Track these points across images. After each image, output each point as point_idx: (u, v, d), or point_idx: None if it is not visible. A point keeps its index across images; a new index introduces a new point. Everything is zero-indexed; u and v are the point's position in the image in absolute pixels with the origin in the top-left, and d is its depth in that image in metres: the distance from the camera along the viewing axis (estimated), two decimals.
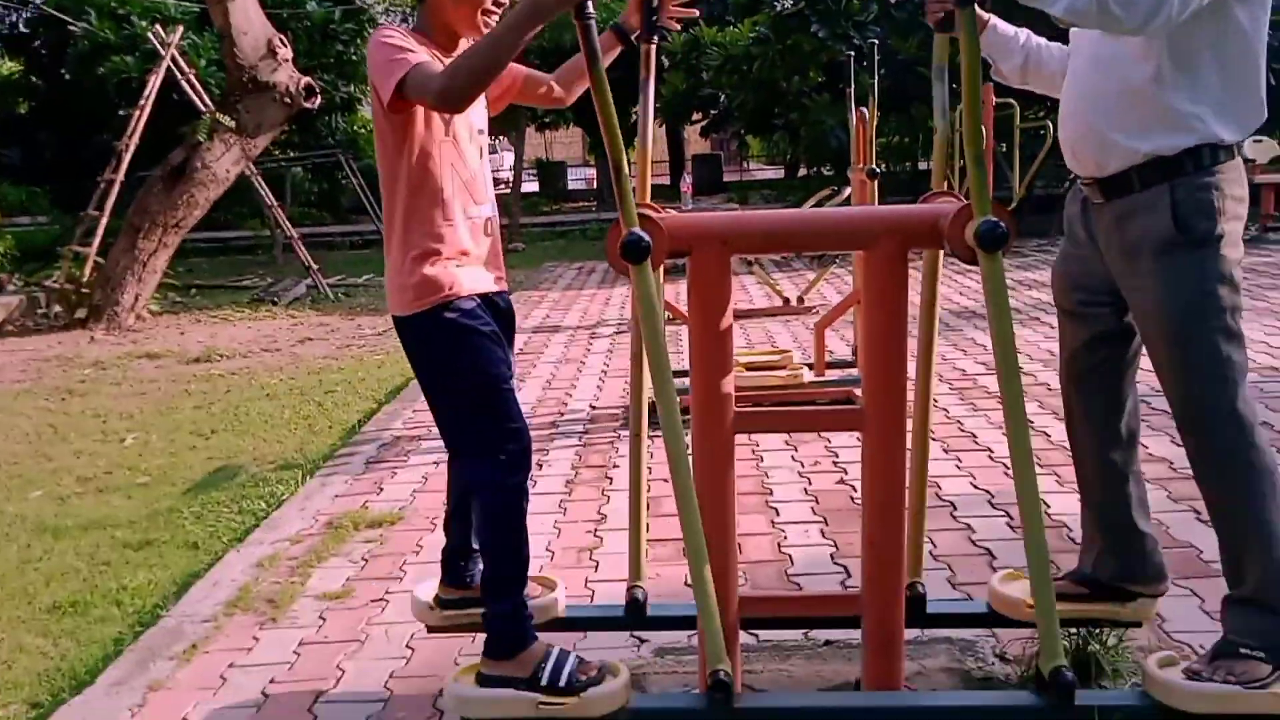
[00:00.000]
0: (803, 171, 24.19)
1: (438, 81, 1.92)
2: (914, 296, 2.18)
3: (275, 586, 3.14)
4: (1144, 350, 2.22)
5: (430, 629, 2.49)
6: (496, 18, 2.07)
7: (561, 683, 2.04)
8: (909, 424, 2.14)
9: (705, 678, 1.98)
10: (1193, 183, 2.00)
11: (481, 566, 2.33)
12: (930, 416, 2.40)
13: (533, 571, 2.26)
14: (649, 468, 4.23)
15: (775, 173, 30.03)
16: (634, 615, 2.41)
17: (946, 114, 2.19)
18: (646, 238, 1.92)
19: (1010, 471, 3.95)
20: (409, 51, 1.96)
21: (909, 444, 2.17)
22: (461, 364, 2.09)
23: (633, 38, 2.34)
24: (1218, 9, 1.92)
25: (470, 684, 2.11)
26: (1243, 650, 1.99)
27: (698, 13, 2.44)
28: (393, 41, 1.99)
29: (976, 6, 2.22)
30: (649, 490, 3.91)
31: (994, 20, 2.31)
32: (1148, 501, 2.34)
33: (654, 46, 2.36)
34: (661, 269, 2.08)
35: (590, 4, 1.81)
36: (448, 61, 2.03)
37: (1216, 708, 1.96)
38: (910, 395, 2.17)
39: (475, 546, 2.39)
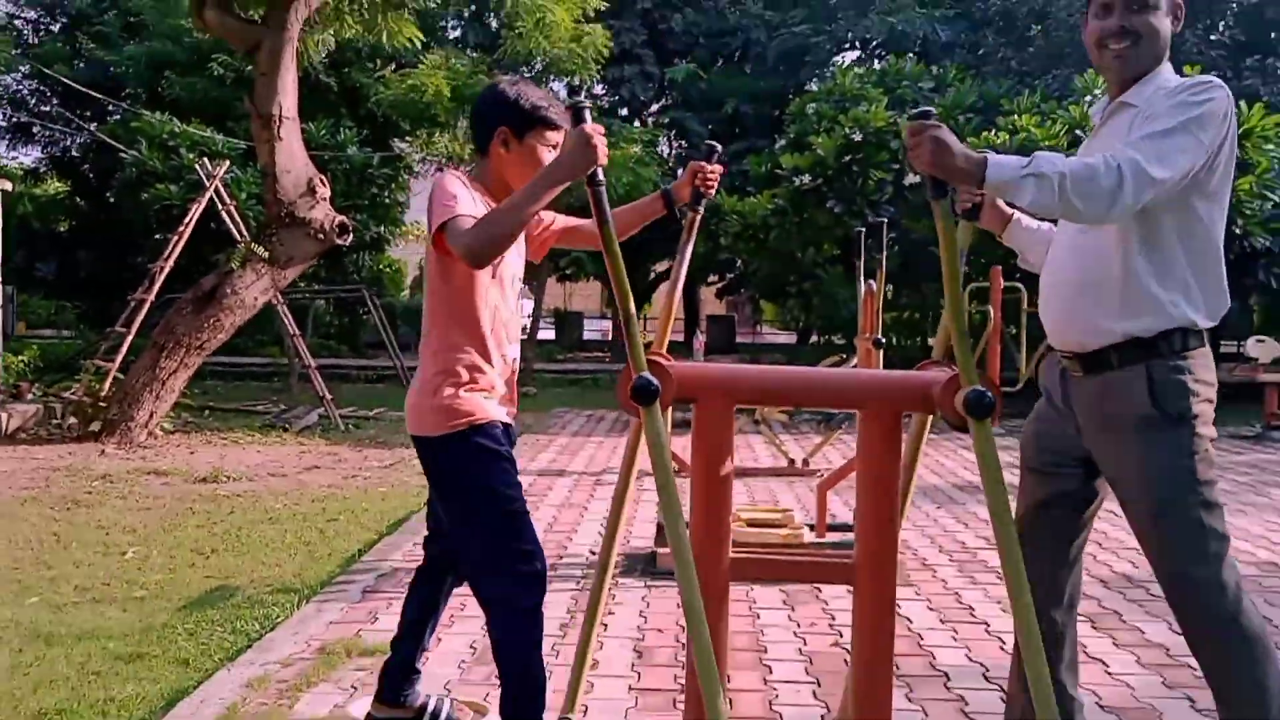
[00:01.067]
0: (814, 339, 24.72)
1: (465, 239, 2.10)
2: (932, 463, 2.27)
3: (263, 708, 3.13)
4: (1096, 519, 2.33)
5: None
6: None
7: None
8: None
9: None
10: (1167, 364, 2.14)
11: (411, 687, 2.38)
12: (899, 574, 2.44)
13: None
14: (644, 616, 4.24)
15: (788, 338, 30.64)
16: None
17: (961, 296, 2.35)
18: (655, 382, 2.04)
19: (1004, 645, 3.94)
20: (457, 201, 2.16)
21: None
22: (487, 485, 2.20)
23: (677, 207, 2.56)
24: (1180, 202, 2.10)
25: None
26: None
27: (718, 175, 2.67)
28: (449, 188, 2.20)
29: (1003, 203, 2.43)
30: (643, 639, 3.92)
31: (1017, 215, 2.49)
32: (1078, 667, 2.37)
33: (698, 215, 2.58)
34: (670, 421, 2.21)
35: (600, 172, 2.01)
36: None
37: None
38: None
39: (419, 667, 2.44)
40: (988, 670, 3.62)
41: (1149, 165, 1.99)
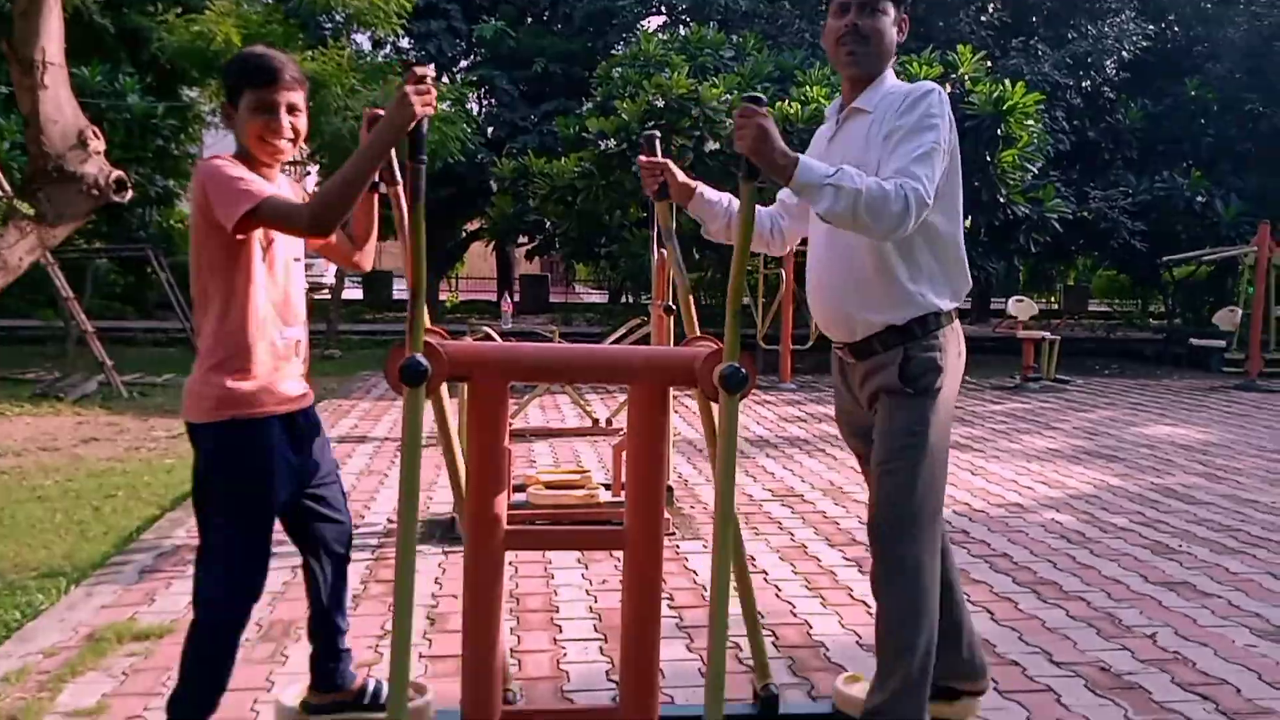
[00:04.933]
0: (625, 297, 25.07)
1: (307, 211, 2.10)
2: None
3: (19, 702, 2.97)
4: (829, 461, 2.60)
5: None
6: (281, 143, 2.24)
7: None
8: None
9: None
10: (920, 344, 2.40)
11: (344, 666, 2.36)
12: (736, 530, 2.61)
13: None
14: (439, 583, 4.27)
15: (600, 296, 30.93)
16: None
17: (683, 270, 2.52)
18: (425, 363, 2.08)
19: (781, 593, 4.22)
20: (254, 183, 2.11)
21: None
22: (241, 481, 2.17)
23: (380, 189, 2.56)
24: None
25: None
26: None
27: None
28: (233, 172, 2.14)
29: (681, 173, 2.63)
30: (436, 605, 3.95)
31: (700, 187, 2.71)
32: (965, 605, 2.63)
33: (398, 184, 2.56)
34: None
35: (424, 146, 2.03)
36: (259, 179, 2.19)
37: None
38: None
39: (344, 646, 2.41)
40: (764, 617, 3.88)
41: (926, 195, 2.22)
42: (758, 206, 2.73)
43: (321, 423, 2.42)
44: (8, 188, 9.42)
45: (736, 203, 2.71)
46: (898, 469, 2.36)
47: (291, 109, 2.26)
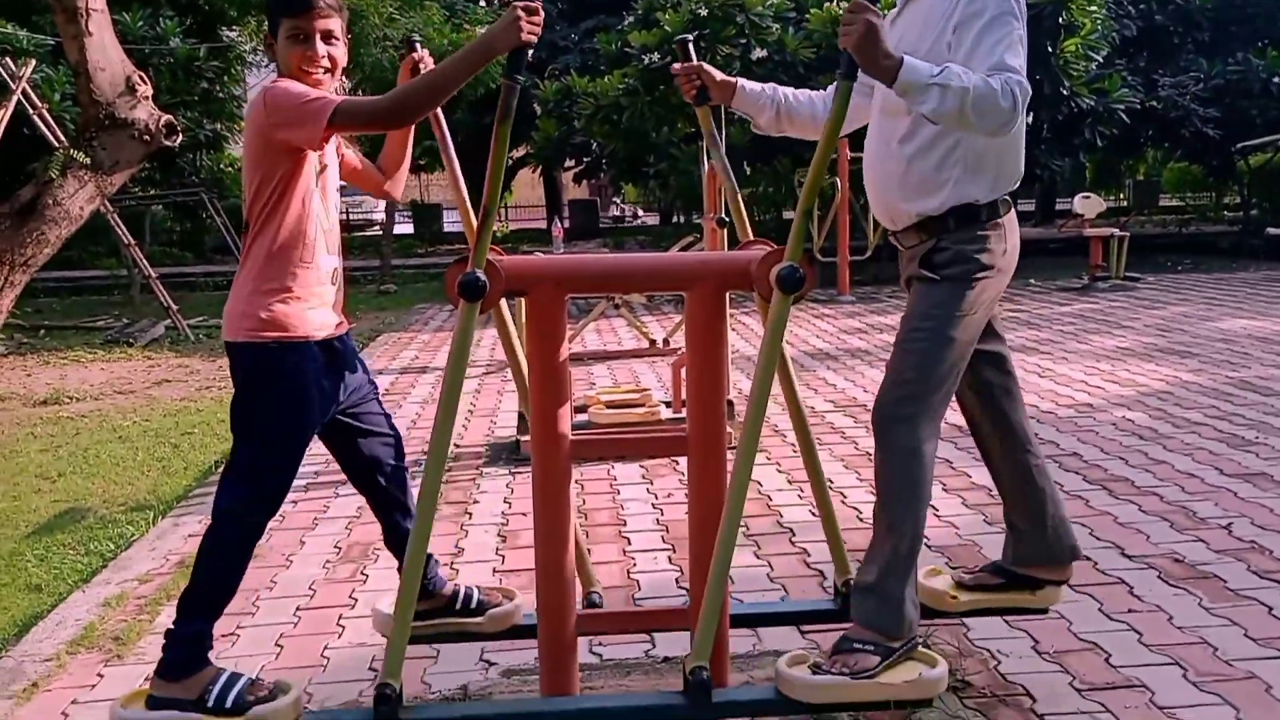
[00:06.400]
0: (676, 218, 24.86)
1: (385, 102, 2.11)
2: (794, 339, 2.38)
3: (122, 624, 3.12)
4: (1015, 369, 2.58)
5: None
6: (320, 76, 2.22)
7: (228, 704, 2.12)
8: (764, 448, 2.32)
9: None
10: (955, 236, 2.33)
11: (434, 573, 2.44)
12: (809, 437, 2.62)
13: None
14: (508, 502, 4.35)
15: (652, 219, 30.71)
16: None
17: (730, 174, 2.47)
18: (484, 278, 2.08)
19: (846, 499, 4.23)
20: (320, 96, 2.12)
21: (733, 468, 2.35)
22: (274, 401, 2.20)
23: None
24: None
25: (139, 708, 2.16)
26: (857, 645, 2.26)
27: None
28: (299, 89, 2.14)
29: (718, 73, 2.56)
30: (506, 524, 4.04)
31: (741, 82, 2.63)
32: (1057, 494, 2.60)
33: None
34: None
35: (523, 68, 2.01)
36: None
37: (828, 698, 2.18)
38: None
39: (432, 556, 2.48)
40: None
41: (1028, 86, 2.15)
42: (807, 91, 2.66)
43: (355, 348, 2.44)
44: (63, 138, 9.57)
45: (782, 91, 2.64)
46: (910, 351, 2.33)
47: (328, 37, 2.23)
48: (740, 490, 2.09)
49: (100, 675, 2.81)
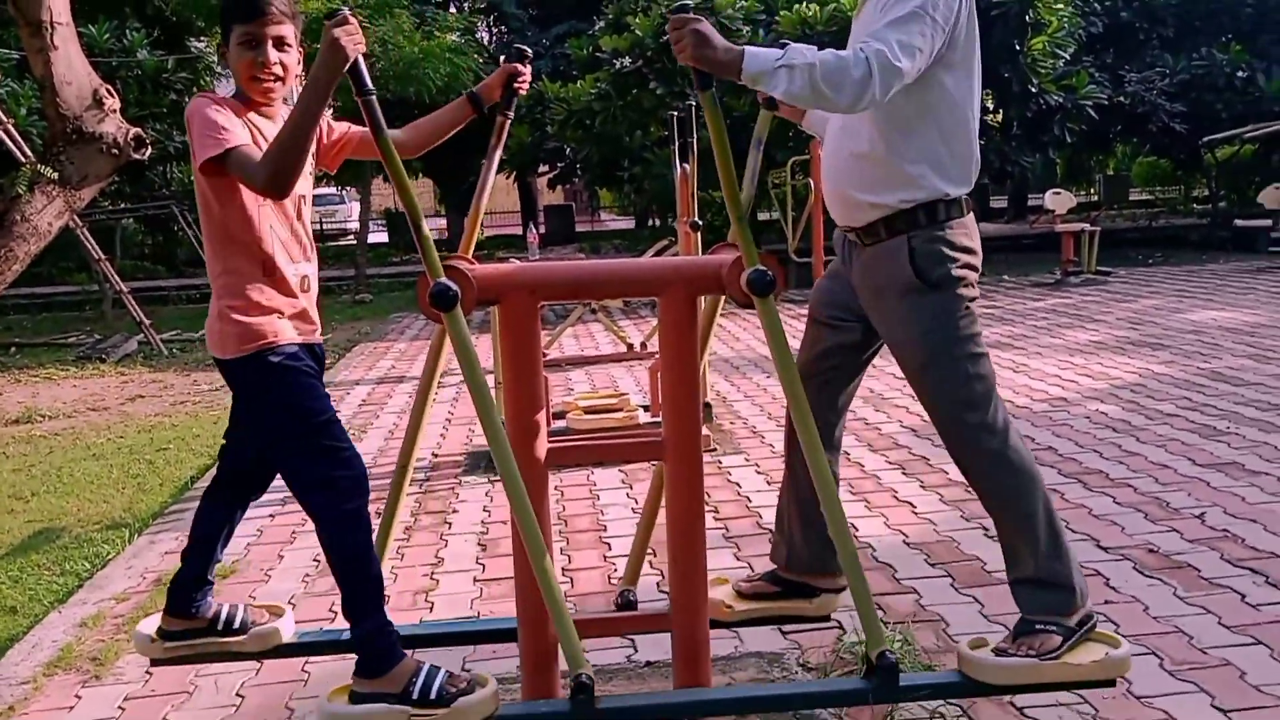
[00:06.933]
0: (652, 222, 24.88)
1: (262, 172, 2.08)
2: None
3: (100, 645, 3.09)
4: (868, 370, 2.57)
5: (154, 662, 2.53)
6: (269, 84, 2.21)
7: (432, 695, 2.13)
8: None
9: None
10: (927, 234, 2.29)
11: (201, 597, 2.43)
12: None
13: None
14: (487, 510, 4.34)
15: (627, 223, 30.70)
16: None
17: (755, 179, 2.46)
18: (454, 286, 2.08)
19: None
20: (227, 130, 2.09)
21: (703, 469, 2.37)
22: (290, 401, 2.20)
23: (485, 109, 2.52)
24: (925, 79, 2.23)
25: (344, 703, 2.17)
26: (1038, 626, 2.27)
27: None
28: (211, 115, 2.12)
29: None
30: (486, 532, 4.03)
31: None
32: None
33: (509, 119, 2.55)
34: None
35: (365, 78, 2.01)
36: (258, 123, 2.17)
37: (1017, 679, 2.21)
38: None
39: (210, 578, 2.47)
40: None
41: (894, 58, 2.09)
42: None
43: (322, 363, 2.43)
44: (29, 153, 9.46)
45: None
46: (939, 367, 2.30)
47: (279, 43, 2.22)
48: (827, 486, 2.12)
49: (78, 697, 2.78)
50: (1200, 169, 18.23)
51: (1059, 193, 12.82)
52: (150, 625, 2.47)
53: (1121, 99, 14.37)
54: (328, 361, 2.41)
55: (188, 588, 2.43)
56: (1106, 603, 3.04)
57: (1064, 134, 13.11)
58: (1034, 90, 12.09)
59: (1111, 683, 2.28)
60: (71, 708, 2.72)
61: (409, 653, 2.23)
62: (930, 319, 2.30)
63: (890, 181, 2.29)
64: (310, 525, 2.38)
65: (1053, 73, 12.27)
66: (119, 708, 2.70)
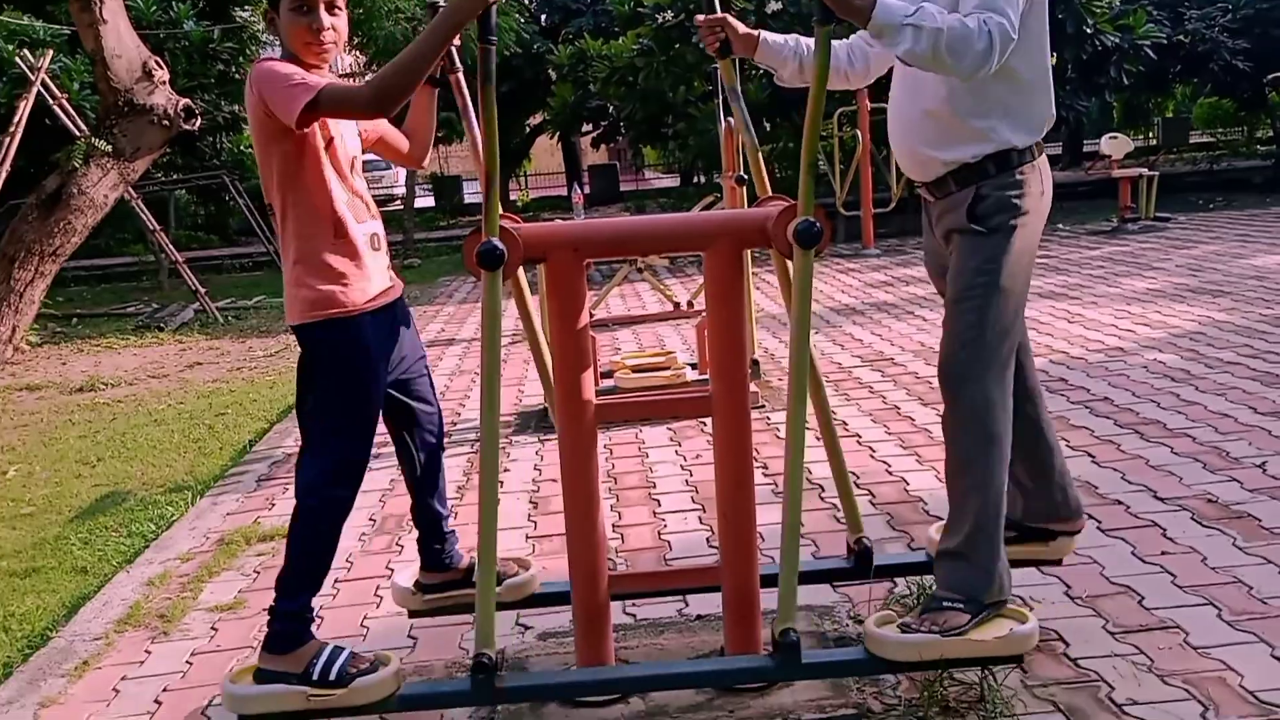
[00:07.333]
0: (697, 179, 24.66)
1: (366, 91, 2.11)
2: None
3: (166, 602, 3.20)
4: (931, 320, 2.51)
5: (412, 614, 2.62)
6: (325, 46, 2.22)
7: (332, 676, 2.19)
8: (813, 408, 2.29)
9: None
10: (995, 183, 2.29)
11: (451, 548, 2.49)
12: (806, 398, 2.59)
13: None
14: (538, 469, 4.39)
15: (672, 181, 30.47)
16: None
17: (750, 128, 2.43)
18: (501, 246, 2.09)
19: (875, 454, 4.23)
20: (307, 78, 2.11)
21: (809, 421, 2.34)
22: (341, 375, 2.24)
23: (437, 76, 2.48)
24: None
25: (248, 682, 2.23)
26: (945, 603, 2.25)
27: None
28: (285, 70, 2.14)
29: (741, 25, 2.50)
30: (538, 490, 4.07)
31: (763, 34, 2.57)
32: (1062, 450, 2.59)
33: (459, 73, 2.46)
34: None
35: (494, 29, 2.01)
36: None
37: (918, 655, 2.18)
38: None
39: (448, 529, 2.54)
40: (859, 478, 3.90)
41: (1012, 30, 2.10)
42: (785, 39, 2.60)
43: (411, 313, 2.47)
44: (84, 127, 9.64)
45: (804, 42, 2.59)
46: (968, 308, 2.29)
47: (330, 7, 2.23)
48: (797, 452, 2.08)
49: (148, 652, 2.88)
50: (1265, 109, 17.55)
51: (1115, 137, 12.44)
52: (407, 578, 2.55)
53: (1181, 37, 13.86)
54: None
55: (430, 542, 2.52)
56: (1163, 554, 2.99)
57: (1121, 76, 12.70)
58: (1089, 31, 11.71)
59: (1019, 659, 2.24)
60: (142, 662, 2.82)
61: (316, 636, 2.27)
62: (979, 259, 2.29)
63: (960, 137, 2.29)
64: (366, 484, 2.44)
65: (1109, 12, 11.87)
66: (186, 662, 2.80)
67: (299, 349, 2.31)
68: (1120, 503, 3.40)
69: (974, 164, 2.30)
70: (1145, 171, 11.73)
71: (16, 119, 9.59)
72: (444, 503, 2.56)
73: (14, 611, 3.25)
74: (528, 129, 23.38)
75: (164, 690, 2.64)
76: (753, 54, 2.57)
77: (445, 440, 2.61)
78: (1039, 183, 2.35)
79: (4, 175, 9.40)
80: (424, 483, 2.51)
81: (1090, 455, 3.92)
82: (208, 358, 8.13)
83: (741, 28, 2.54)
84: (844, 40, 2.61)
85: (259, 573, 3.39)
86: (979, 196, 2.30)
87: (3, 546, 3.91)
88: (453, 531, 2.56)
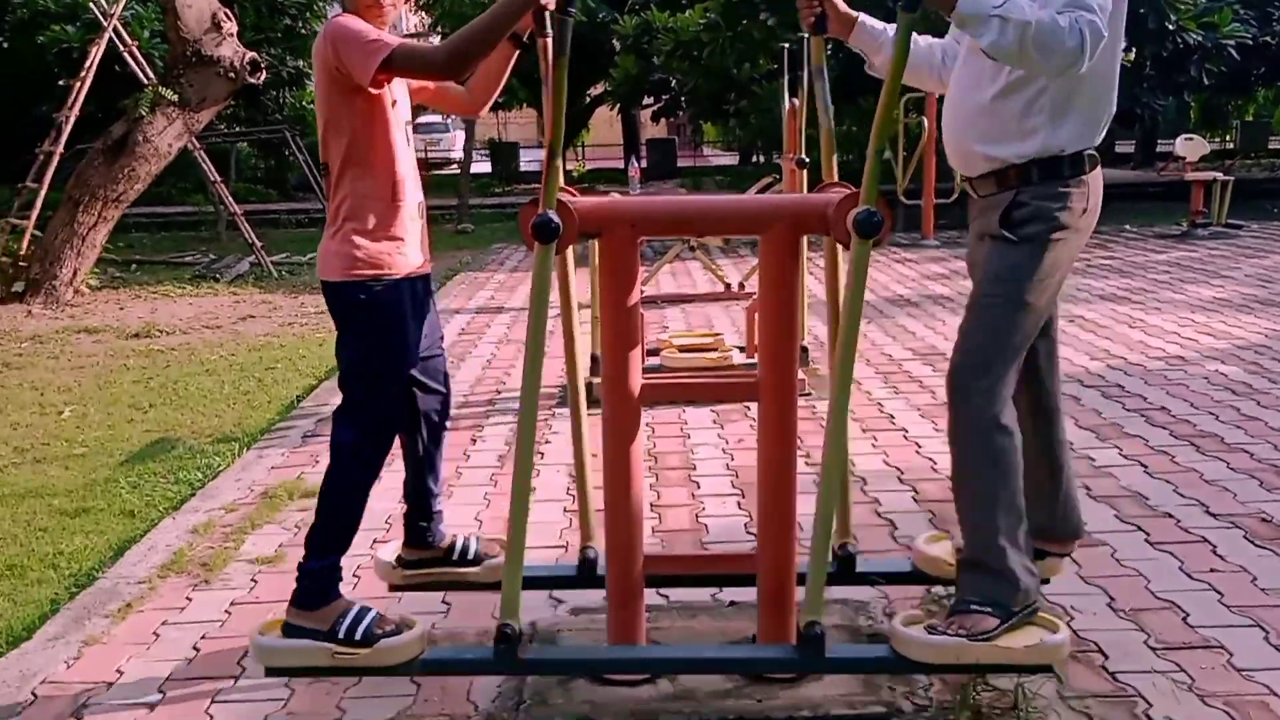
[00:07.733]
0: (756, 158, 24.45)
1: (440, 53, 2.12)
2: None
3: (209, 551, 3.25)
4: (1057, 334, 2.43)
5: (392, 587, 2.64)
6: (385, 7, 2.21)
7: (358, 635, 2.20)
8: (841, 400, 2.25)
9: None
10: (1037, 191, 2.19)
11: (436, 525, 2.51)
12: (850, 392, 2.55)
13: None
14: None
15: (730, 159, 30.22)
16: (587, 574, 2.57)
17: (830, 110, 2.37)
18: (557, 219, 2.07)
19: (920, 450, 4.17)
20: (381, 35, 2.12)
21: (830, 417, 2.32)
22: (377, 339, 2.25)
23: (525, 39, 2.44)
24: None
25: (276, 635, 2.26)
26: (973, 607, 2.19)
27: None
28: (361, 27, 2.15)
29: (842, 3, 2.42)
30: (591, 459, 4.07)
31: (862, 17, 2.47)
32: (1071, 467, 2.51)
33: (547, 40, 2.42)
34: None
35: (574, 3, 1.98)
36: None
37: (945, 658, 2.14)
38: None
39: (437, 508, 2.56)
40: (902, 473, 3.85)
41: (1103, 28, 2.01)
42: (929, 37, 2.52)
43: (433, 292, 2.47)
44: (152, 75, 9.79)
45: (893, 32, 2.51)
46: (984, 316, 2.22)
47: None
48: (838, 442, 2.04)
49: (189, 599, 2.94)
50: None
51: (1191, 139, 12.08)
52: (389, 552, 2.60)
53: (1268, 39, 13.35)
54: None
55: (415, 519, 2.55)
56: (1212, 571, 2.92)
57: (1201, 75, 12.30)
58: (1171, 27, 11.34)
59: (1048, 668, 2.19)
60: (183, 609, 2.87)
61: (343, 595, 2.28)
62: (1003, 268, 2.21)
63: (1005, 134, 2.20)
64: (396, 465, 2.47)
65: (1193, 9, 11.48)
66: (225, 611, 2.85)
67: (331, 311, 2.30)
68: (1171, 516, 3.32)
69: (1019, 166, 2.20)
70: (1220, 175, 11.38)
71: (88, 63, 9.77)
72: (437, 481, 2.58)
73: (63, 550, 3.34)
74: (588, 99, 23.27)
75: (202, 638, 2.69)
76: (847, 36, 2.47)
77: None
78: (1084, 199, 2.23)
79: (74, 119, 9.58)
80: (423, 460, 2.52)
81: (1143, 465, 3.82)
82: (260, 311, 8.24)
83: (842, 6, 2.43)
84: (939, 40, 2.52)
85: (299, 528, 3.44)
86: (1017, 202, 2.20)
87: (55, 485, 4.01)
88: (440, 511, 2.58)
